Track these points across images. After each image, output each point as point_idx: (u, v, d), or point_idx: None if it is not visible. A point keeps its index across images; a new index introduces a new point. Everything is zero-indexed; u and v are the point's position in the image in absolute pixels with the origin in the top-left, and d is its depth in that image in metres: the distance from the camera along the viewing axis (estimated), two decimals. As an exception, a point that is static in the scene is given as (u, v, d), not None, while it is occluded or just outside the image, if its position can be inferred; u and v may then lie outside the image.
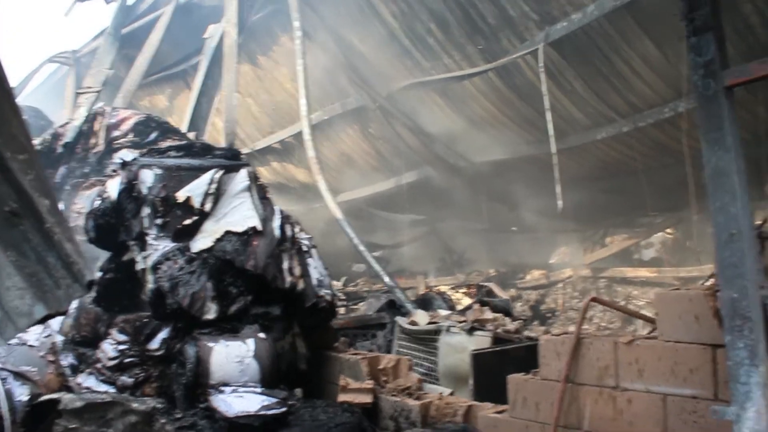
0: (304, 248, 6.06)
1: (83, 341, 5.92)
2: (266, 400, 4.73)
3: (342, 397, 5.13)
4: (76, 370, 5.77)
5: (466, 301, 9.03)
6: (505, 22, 8.19)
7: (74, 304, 7.01)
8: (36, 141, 8.70)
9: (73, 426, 4.12)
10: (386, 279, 8.33)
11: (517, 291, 12.17)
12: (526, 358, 4.46)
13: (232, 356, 5.06)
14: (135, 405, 4.42)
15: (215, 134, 10.58)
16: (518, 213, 11.42)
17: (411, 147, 10.98)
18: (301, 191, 13.41)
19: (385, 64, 9.88)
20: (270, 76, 11.79)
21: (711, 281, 3.42)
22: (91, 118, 7.74)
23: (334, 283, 12.45)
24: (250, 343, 5.18)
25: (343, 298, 12.79)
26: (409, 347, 6.21)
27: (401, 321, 6.37)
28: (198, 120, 8.93)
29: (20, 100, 13.74)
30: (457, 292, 9.95)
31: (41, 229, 1.72)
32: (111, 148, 7.80)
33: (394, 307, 7.92)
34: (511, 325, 5.76)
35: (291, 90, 11.23)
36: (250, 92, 12.37)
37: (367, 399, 5.03)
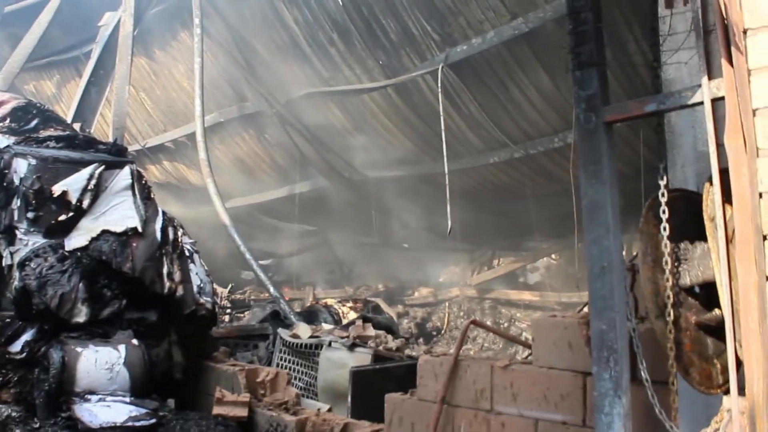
0: (187, 253, 5.86)
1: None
2: (135, 411, 4.52)
3: (217, 410, 4.97)
4: None
5: (353, 315, 8.99)
6: (407, 39, 8.23)
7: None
8: None
9: None
10: (271, 289, 8.18)
11: (404, 307, 12.26)
12: (406, 377, 4.45)
13: (101, 363, 4.81)
14: (-14, 412, 4.11)
15: (104, 127, 10.12)
16: (410, 230, 11.51)
17: (306, 156, 10.88)
18: (193, 193, 13.02)
19: (285, 71, 9.73)
20: (166, 72, 11.39)
21: (585, 310, 3.52)
22: (-41, 99, 7.20)
23: (220, 289, 12.23)
24: (122, 349, 4.95)
25: (229, 306, 12.53)
26: (290, 360, 6.11)
27: (283, 333, 6.26)
28: (86, 111, 8.47)
29: None
30: (344, 305, 9.90)
31: None
32: (-15, 133, 7.28)
33: (277, 318, 7.79)
34: (393, 343, 5.76)
35: (187, 88, 10.89)
36: (144, 87, 11.92)
37: (242, 412, 4.89)
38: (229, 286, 13.42)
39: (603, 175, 2.92)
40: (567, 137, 7.62)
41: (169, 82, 11.56)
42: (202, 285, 5.88)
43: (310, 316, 8.23)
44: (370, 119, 9.55)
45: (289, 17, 9.10)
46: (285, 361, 6.15)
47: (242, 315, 11.51)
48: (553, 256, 12.47)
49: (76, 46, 11.45)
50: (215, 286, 11.76)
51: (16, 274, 5.14)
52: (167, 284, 5.49)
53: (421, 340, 11.34)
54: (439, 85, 7.85)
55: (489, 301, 11.87)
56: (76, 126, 7.70)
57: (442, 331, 11.73)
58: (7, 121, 7.17)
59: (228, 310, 12.02)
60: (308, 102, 9.94)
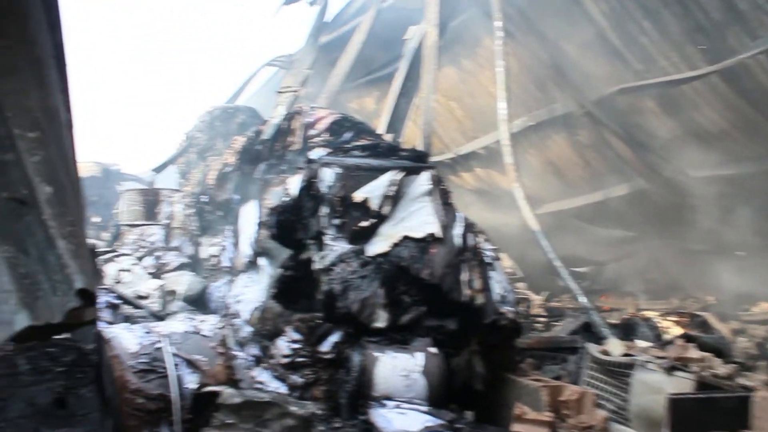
0: (487, 260, 5.63)
1: (267, 334, 5.97)
2: (430, 421, 4.37)
3: (516, 427, 4.65)
4: (259, 361, 5.82)
5: (676, 330, 8.05)
6: (733, 17, 7.17)
7: (261, 296, 7.19)
8: (241, 139, 9.07)
9: (230, 421, 4.04)
10: (582, 299, 7.63)
11: (740, 324, 10.72)
12: (738, 411, 3.69)
13: (398, 369, 4.77)
14: (294, 408, 4.25)
15: (413, 137, 10.44)
16: (744, 235, 10.07)
17: (622, 157, 10.12)
18: (506, 199, 12.92)
19: (594, 67, 9.15)
20: (473, 80, 11.45)
21: None
22: (290, 116, 7.86)
23: (534, 297, 11.90)
24: (420, 356, 4.86)
25: (544, 314, 12.13)
26: (600, 379, 5.53)
27: (592, 348, 5.71)
28: (396, 122, 8.81)
29: (240, 102, 14.63)
30: (666, 319, 8.92)
31: (42, 222, 1.47)
32: (307, 147, 7.86)
33: (589, 331, 7.22)
34: (722, 369, 4.89)
35: (495, 93, 10.81)
36: (454, 96, 12.12)
37: (542, 433, 4.49)
38: (545, 293, 13.02)
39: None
40: None
41: (477, 89, 11.60)
42: (503, 294, 5.60)
43: (626, 329, 7.55)
44: (692, 112, 8.53)
45: (595, 10, 8.53)
46: (594, 379, 5.59)
47: (557, 323, 11.05)
48: None
49: (390, 63, 12.02)
50: (529, 293, 11.55)
51: (324, 278, 5.35)
52: (466, 292, 5.31)
53: (763, 363, 9.78)
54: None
55: None
56: (387, 137, 7.99)
57: (791, 356, 10.01)
58: (326, 134, 7.66)
59: (541, 319, 11.63)
60: (621, 98, 9.24)
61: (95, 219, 15.17)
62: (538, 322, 11.17)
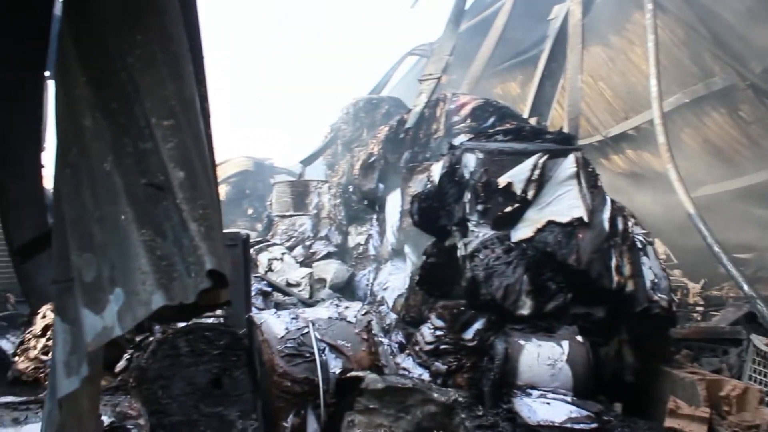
0: (638, 245, 5.35)
1: (411, 321, 6.04)
2: (576, 412, 4.23)
3: (669, 422, 4.41)
4: (403, 348, 5.90)
5: None
6: None
7: (406, 284, 7.26)
8: (385, 128, 9.18)
9: (373, 406, 4.11)
10: (744, 286, 7.08)
11: None
12: None
13: (543, 358, 4.66)
14: (436, 395, 4.27)
15: (560, 120, 10.13)
16: None
17: (792, 132, 9.30)
18: (659, 182, 12.27)
19: (759, 35, 8.42)
20: (623, 57, 10.91)
21: None
22: (433, 104, 7.87)
23: (691, 285, 11.23)
24: (565, 345, 4.72)
25: (701, 303, 11.41)
26: (766, 374, 5.14)
27: (757, 340, 5.31)
28: (541, 104, 8.58)
29: (384, 92, 14.82)
30: None
31: (177, 207, 1.53)
32: (450, 134, 7.85)
33: (753, 322, 6.71)
34: None
35: (646, 71, 10.24)
36: (602, 75, 11.62)
37: (700, 430, 4.23)
38: (702, 281, 12.25)
39: None
40: None
41: (627, 66, 11.05)
42: (656, 280, 5.32)
43: (798, 321, 6.92)
44: None
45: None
46: (759, 374, 5.21)
47: (716, 314, 10.37)
48: None
49: (534, 45, 11.72)
50: (685, 281, 10.93)
51: (467, 264, 5.31)
52: (616, 278, 5.09)
53: None
54: None
55: None
56: (532, 121, 7.81)
57: None
58: (469, 120, 7.62)
59: (699, 308, 10.96)
60: (791, 68, 8.47)
61: (249, 211, 15.96)
62: (695, 312, 10.54)
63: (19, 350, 6.58)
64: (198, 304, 1.51)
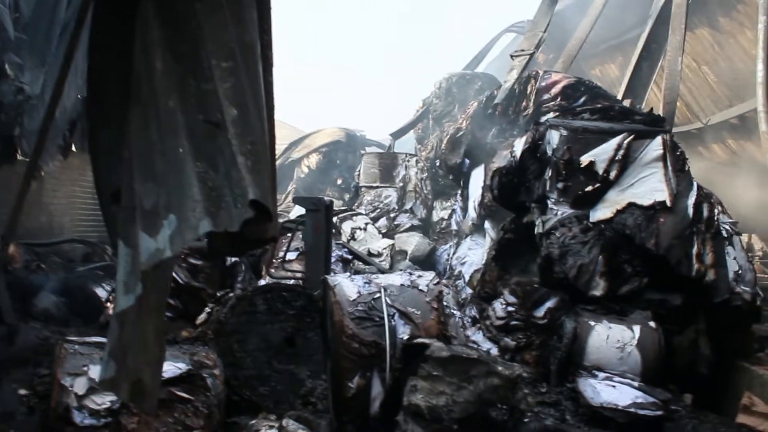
0: (724, 234, 5.17)
1: (486, 297, 6.05)
2: (641, 398, 4.14)
3: (742, 419, 4.27)
4: (476, 322, 5.93)
5: None
6: None
7: (483, 259, 7.25)
8: (474, 103, 9.12)
9: (437, 373, 4.16)
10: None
11: None
12: None
13: (612, 340, 4.59)
14: (500, 368, 4.27)
15: (656, 103, 9.77)
16: None
17: None
18: (760, 175, 11.69)
19: None
20: (732, 41, 10.37)
21: None
22: (524, 81, 7.75)
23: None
24: (636, 330, 4.63)
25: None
26: None
27: None
28: (637, 86, 8.30)
29: (479, 69, 14.67)
30: None
31: (228, 142, 1.62)
32: (540, 111, 7.73)
33: None
34: None
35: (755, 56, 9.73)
36: (707, 60, 11.10)
37: (773, 428, 4.09)
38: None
39: None
40: None
41: (735, 51, 10.51)
42: (740, 272, 5.13)
43: None
44: None
45: None
46: None
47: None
48: None
49: (636, 25, 11.31)
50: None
51: (543, 242, 5.27)
52: (696, 266, 4.94)
53: None
54: None
55: None
56: (626, 102, 7.60)
57: None
58: (559, 99, 7.48)
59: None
60: None
61: (338, 181, 16.22)
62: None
63: (111, 297, 7.02)
64: (246, 237, 1.61)
